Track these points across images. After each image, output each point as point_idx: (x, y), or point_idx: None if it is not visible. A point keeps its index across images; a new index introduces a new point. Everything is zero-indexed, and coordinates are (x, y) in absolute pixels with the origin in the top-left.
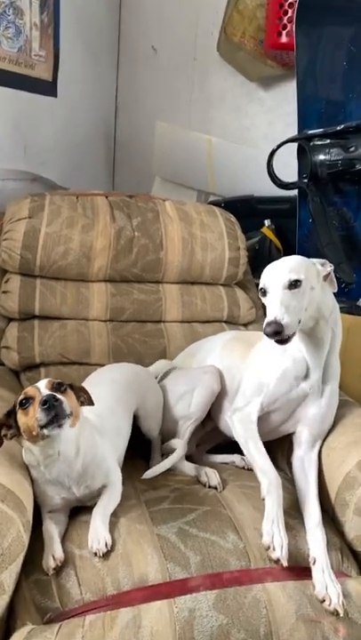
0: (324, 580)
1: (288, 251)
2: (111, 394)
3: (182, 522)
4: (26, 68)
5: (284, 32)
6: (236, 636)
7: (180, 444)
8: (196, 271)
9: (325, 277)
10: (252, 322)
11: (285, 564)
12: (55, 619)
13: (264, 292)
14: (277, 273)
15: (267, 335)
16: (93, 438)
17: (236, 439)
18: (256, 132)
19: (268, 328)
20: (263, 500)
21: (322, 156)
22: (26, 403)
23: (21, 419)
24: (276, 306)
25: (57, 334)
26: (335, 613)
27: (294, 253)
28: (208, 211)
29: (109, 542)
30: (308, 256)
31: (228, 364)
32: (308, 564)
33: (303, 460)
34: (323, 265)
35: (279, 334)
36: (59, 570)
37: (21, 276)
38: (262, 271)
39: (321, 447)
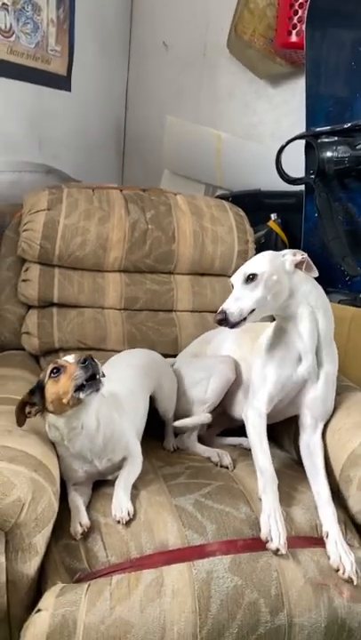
0: (337, 551)
1: (294, 244)
2: (129, 376)
3: (198, 494)
4: (42, 63)
5: (294, 31)
6: (249, 596)
7: (201, 415)
8: (207, 263)
9: (299, 265)
10: None
11: (284, 551)
12: (84, 578)
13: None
14: (239, 270)
15: (216, 323)
16: (112, 415)
17: (247, 433)
18: (264, 128)
19: (216, 317)
20: (260, 498)
21: (329, 153)
22: (57, 372)
23: (51, 388)
24: (229, 298)
25: (75, 321)
26: (350, 580)
27: (300, 247)
28: (218, 205)
29: (131, 511)
30: (313, 250)
31: (239, 356)
32: (314, 534)
33: (309, 443)
34: (294, 254)
35: (224, 322)
36: (85, 535)
37: (40, 266)
38: None
39: (326, 430)
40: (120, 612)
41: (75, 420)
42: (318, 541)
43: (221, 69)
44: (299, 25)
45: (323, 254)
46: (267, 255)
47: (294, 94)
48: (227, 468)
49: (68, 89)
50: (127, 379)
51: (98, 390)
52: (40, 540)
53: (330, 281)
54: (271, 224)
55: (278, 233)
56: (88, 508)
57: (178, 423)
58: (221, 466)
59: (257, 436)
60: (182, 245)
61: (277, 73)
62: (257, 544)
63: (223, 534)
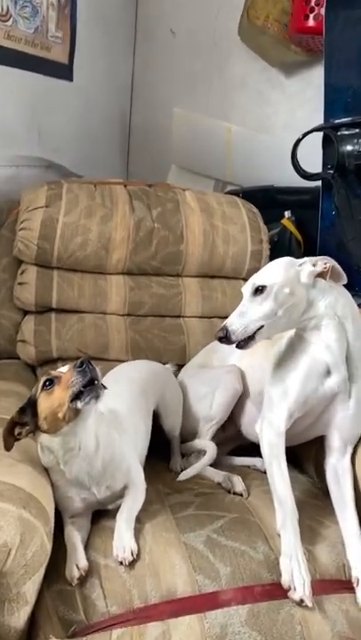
0: None
1: (309, 243)
2: (129, 391)
3: (210, 529)
4: (42, 50)
5: (311, 15)
6: None
7: (210, 446)
8: (217, 264)
9: (323, 275)
10: None
11: (310, 604)
12: (79, 632)
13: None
14: (250, 280)
15: (216, 339)
16: (111, 435)
17: (262, 453)
18: (277, 119)
19: (216, 333)
20: (278, 534)
21: (350, 147)
22: (50, 384)
23: (44, 403)
24: (234, 312)
25: (75, 328)
26: None
27: (315, 246)
28: (230, 201)
29: (135, 550)
30: (330, 250)
31: (250, 363)
32: (342, 577)
33: (336, 468)
34: (314, 264)
35: (225, 339)
36: (83, 580)
37: (38, 267)
38: None
39: (356, 454)
40: None
41: (71, 438)
42: (347, 585)
43: (232, 58)
44: (317, 8)
45: (340, 255)
46: (281, 263)
47: (310, 84)
48: (240, 495)
49: (70, 78)
50: (127, 394)
51: (97, 398)
52: (30, 587)
53: (348, 284)
54: (285, 222)
55: (292, 232)
56: (86, 545)
57: (183, 475)
58: (234, 493)
59: (274, 458)
60: (191, 245)
61: (292, 61)
62: (277, 590)
63: (239, 579)
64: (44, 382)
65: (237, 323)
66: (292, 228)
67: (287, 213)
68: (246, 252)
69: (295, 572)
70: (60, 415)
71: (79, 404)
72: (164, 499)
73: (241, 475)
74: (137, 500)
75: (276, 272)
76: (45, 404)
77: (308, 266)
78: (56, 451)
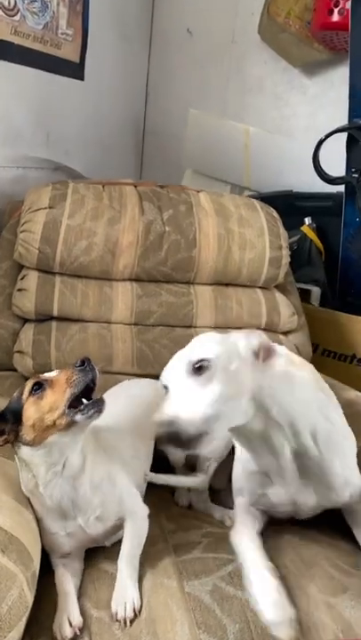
0: None
1: (330, 252)
2: (130, 411)
3: (217, 577)
4: (51, 47)
5: (336, 10)
6: None
7: (201, 477)
8: (233, 272)
9: (261, 356)
10: (292, 330)
11: None
12: None
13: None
14: (176, 358)
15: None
16: (100, 455)
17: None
18: (297, 122)
19: (157, 430)
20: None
21: None
22: (39, 388)
23: (32, 408)
24: (171, 399)
25: (76, 338)
26: None
27: (337, 255)
28: (247, 204)
29: (137, 606)
30: (352, 259)
31: None
32: None
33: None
34: (247, 337)
35: (175, 441)
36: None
37: (39, 273)
38: (301, 273)
39: None
40: None
41: (56, 452)
42: None
43: (251, 58)
44: (342, 2)
45: None
46: (212, 337)
47: (333, 84)
48: None
49: (81, 77)
50: (127, 413)
51: (100, 413)
52: None
53: None
54: (305, 229)
55: (313, 239)
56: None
57: (151, 477)
58: None
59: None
60: (204, 251)
61: (314, 60)
62: None
63: (249, 638)
64: (33, 386)
65: (183, 411)
66: (312, 235)
67: (307, 220)
68: (264, 259)
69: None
70: (51, 421)
71: (78, 417)
72: (168, 537)
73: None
74: (138, 537)
75: (214, 343)
76: (33, 409)
77: (242, 341)
78: (36, 467)
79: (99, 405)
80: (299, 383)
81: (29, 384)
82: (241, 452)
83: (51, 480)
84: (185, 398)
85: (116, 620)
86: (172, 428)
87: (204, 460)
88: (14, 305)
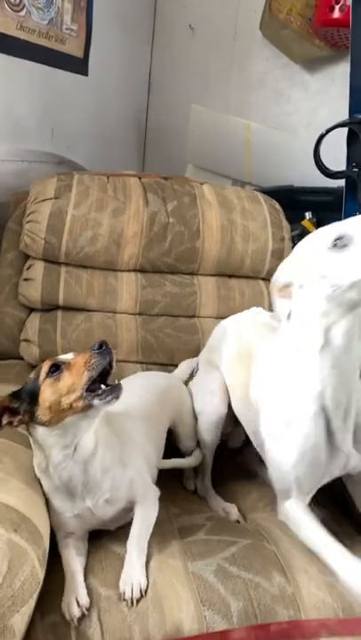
0: None
1: None
2: (144, 398)
3: (221, 557)
4: (56, 43)
5: (337, 6)
6: None
7: (194, 457)
8: (236, 263)
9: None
10: None
11: None
12: None
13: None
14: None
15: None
16: (112, 439)
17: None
18: (298, 118)
19: None
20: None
21: None
22: (56, 370)
23: (49, 389)
24: None
25: (82, 327)
26: None
27: None
28: (250, 196)
29: (144, 587)
30: None
31: (232, 383)
32: None
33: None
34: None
35: None
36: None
37: (45, 263)
38: None
39: None
40: None
41: (71, 433)
42: None
43: (253, 53)
44: None
45: None
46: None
47: (333, 81)
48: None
49: (85, 73)
50: (141, 400)
51: (118, 398)
52: (18, 620)
53: None
54: (305, 223)
55: None
56: (85, 569)
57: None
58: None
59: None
60: (208, 242)
61: (316, 56)
62: (295, 629)
63: (252, 615)
64: (50, 368)
65: None
66: (312, 229)
67: (308, 214)
68: (267, 251)
69: None
70: (68, 404)
71: (96, 402)
72: (174, 520)
73: (244, 495)
74: (148, 520)
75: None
76: (50, 391)
77: None
78: (49, 448)
79: (116, 391)
80: None
81: (46, 366)
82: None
83: (62, 462)
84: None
85: (124, 600)
86: None
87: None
88: (20, 294)
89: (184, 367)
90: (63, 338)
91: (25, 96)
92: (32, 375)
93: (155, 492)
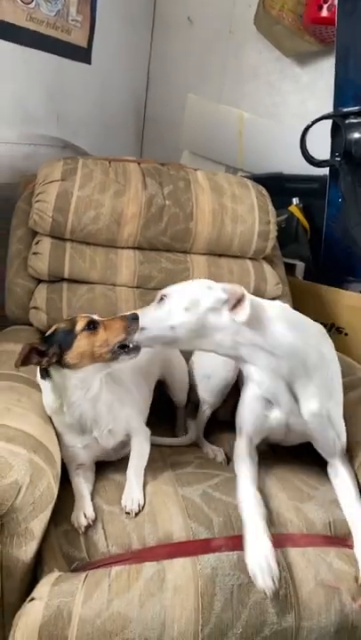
0: None
1: (315, 230)
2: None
3: (206, 485)
4: (62, 33)
5: (325, 6)
6: (256, 595)
7: (192, 429)
8: (225, 243)
9: (231, 304)
10: (278, 297)
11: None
12: (81, 568)
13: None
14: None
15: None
16: (111, 384)
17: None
18: (288, 109)
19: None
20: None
21: (357, 135)
22: (93, 326)
23: (85, 340)
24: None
25: (85, 297)
26: None
27: (321, 233)
28: (240, 182)
29: (142, 503)
30: (335, 237)
31: None
32: (328, 533)
33: (331, 468)
34: (225, 291)
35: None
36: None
37: (52, 239)
38: (288, 249)
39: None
40: (118, 605)
41: (90, 376)
42: (332, 541)
43: (247, 47)
44: None
45: (345, 242)
46: (195, 283)
47: (322, 74)
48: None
49: (88, 62)
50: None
51: (137, 356)
52: (37, 525)
53: (352, 270)
54: (292, 209)
55: (299, 218)
56: (91, 493)
57: (157, 441)
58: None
59: (242, 483)
60: (200, 224)
61: (305, 51)
62: None
63: (230, 529)
64: (88, 323)
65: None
66: (299, 214)
67: (295, 200)
68: (254, 232)
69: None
70: (99, 354)
71: (123, 357)
72: (167, 458)
73: (229, 442)
74: (142, 450)
75: (182, 288)
76: (86, 341)
77: (217, 291)
78: (66, 389)
79: (138, 350)
80: (268, 319)
81: (84, 321)
82: (250, 381)
83: (77, 400)
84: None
85: (126, 513)
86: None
87: (202, 404)
88: (30, 267)
89: None
90: (69, 307)
91: (33, 83)
92: (64, 327)
93: (146, 430)
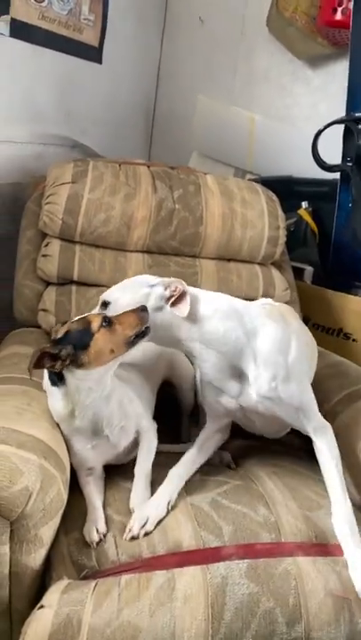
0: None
1: (324, 234)
2: (139, 356)
3: (215, 493)
4: (74, 32)
5: (339, 9)
6: (265, 604)
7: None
8: (234, 248)
9: (171, 300)
10: (286, 303)
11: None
12: (91, 576)
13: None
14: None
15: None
16: (118, 382)
17: None
18: (299, 112)
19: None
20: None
21: None
22: (108, 323)
23: (104, 337)
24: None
25: (94, 300)
26: None
27: (330, 238)
28: (250, 187)
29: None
30: (345, 241)
31: None
32: (337, 542)
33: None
34: (166, 287)
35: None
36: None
37: (61, 241)
38: (296, 253)
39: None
40: (128, 615)
41: (105, 374)
42: (341, 550)
43: (259, 48)
44: (345, 2)
45: (354, 247)
46: (132, 282)
47: (335, 77)
48: (229, 467)
49: (99, 61)
50: (137, 357)
51: (148, 335)
52: (47, 531)
53: (354, 275)
54: (302, 212)
55: (309, 222)
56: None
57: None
58: (229, 467)
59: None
60: (210, 228)
61: (318, 54)
62: (276, 549)
63: (240, 537)
64: (103, 320)
65: None
66: (308, 218)
67: (304, 204)
68: (263, 237)
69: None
70: (115, 349)
71: (137, 340)
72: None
73: (243, 450)
74: (150, 447)
75: (124, 290)
76: (105, 338)
77: (159, 288)
78: (83, 389)
79: (148, 330)
80: (202, 312)
81: (98, 319)
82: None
83: (91, 402)
84: None
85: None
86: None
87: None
88: (39, 269)
89: None
90: (77, 309)
91: (44, 82)
92: (78, 327)
93: (153, 425)
